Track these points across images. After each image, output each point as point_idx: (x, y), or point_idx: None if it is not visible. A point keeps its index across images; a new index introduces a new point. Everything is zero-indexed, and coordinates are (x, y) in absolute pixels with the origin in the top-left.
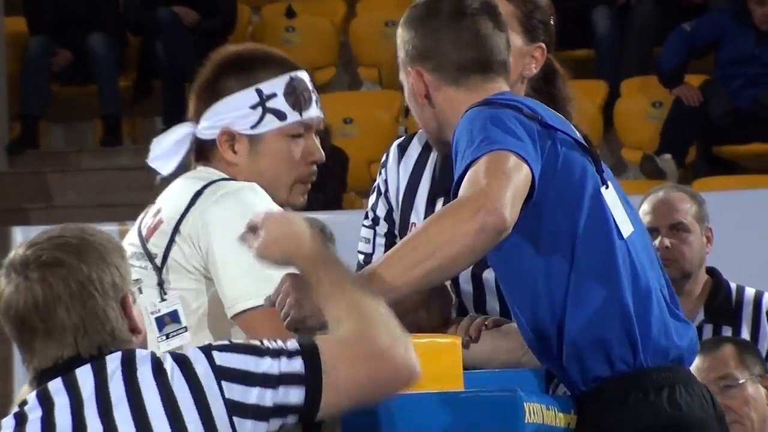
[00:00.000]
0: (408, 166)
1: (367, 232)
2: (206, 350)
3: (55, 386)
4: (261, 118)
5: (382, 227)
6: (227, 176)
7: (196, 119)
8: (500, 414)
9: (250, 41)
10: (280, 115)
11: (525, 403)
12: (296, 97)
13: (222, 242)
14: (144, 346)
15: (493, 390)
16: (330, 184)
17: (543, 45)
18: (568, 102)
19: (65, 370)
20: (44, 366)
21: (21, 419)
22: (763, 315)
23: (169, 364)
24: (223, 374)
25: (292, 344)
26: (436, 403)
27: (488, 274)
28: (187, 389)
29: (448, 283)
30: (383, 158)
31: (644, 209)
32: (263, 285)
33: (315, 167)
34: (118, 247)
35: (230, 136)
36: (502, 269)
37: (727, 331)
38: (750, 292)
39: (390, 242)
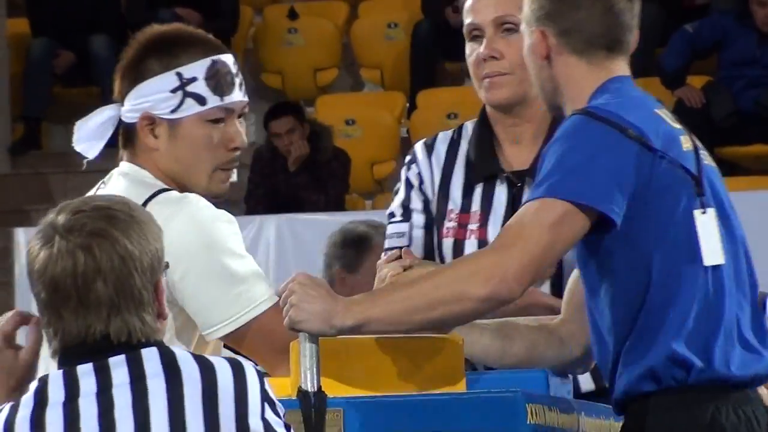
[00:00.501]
0: (439, 160)
1: (398, 227)
2: (260, 374)
3: (84, 370)
4: (181, 103)
5: (419, 218)
6: (161, 186)
7: (121, 100)
8: (502, 415)
9: (253, 43)
10: (200, 100)
11: (527, 404)
12: (217, 81)
13: (185, 275)
14: (164, 331)
15: (495, 391)
16: (332, 185)
17: None
18: None
19: (95, 352)
20: (71, 340)
21: (41, 401)
22: (766, 317)
23: (220, 373)
24: (266, 399)
25: None
26: (437, 404)
27: None
28: (232, 400)
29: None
30: (408, 157)
31: None
32: (237, 305)
33: (237, 153)
34: (158, 226)
35: (150, 121)
36: (586, 281)
37: None
38: None
39: (429, 236)
